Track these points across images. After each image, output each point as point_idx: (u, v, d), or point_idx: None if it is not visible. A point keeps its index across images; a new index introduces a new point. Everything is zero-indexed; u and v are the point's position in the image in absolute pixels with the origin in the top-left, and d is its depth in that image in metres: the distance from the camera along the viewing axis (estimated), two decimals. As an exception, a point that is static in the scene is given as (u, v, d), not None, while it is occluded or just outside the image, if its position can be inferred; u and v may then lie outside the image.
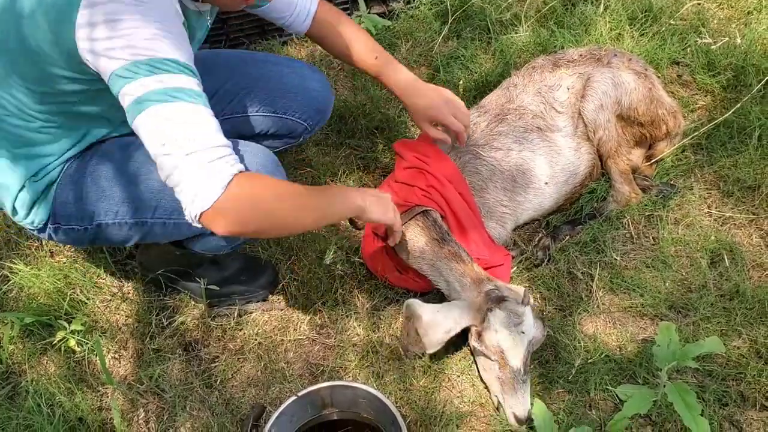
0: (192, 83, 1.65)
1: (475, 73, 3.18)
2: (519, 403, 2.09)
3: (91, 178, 2.00)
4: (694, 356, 1.81)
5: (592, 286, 2.48)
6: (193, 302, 2.48)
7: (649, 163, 2.81)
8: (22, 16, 1.69)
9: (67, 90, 1.80)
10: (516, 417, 2.09)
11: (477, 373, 2.27)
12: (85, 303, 2.46)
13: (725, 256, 2.51)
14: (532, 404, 2.07)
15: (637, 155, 2.79)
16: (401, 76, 2.38)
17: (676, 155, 2.83)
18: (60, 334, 2.33)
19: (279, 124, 2.44)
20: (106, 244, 2.31)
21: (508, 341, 2.08)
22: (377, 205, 2.03)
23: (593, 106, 2.62)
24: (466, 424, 2.17)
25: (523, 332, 2.10)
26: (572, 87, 2.67)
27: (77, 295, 2.46)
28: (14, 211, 2.01)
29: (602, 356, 2.28)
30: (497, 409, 2.19)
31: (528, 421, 2.08)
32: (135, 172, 1.99)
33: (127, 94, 1.61)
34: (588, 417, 2.15)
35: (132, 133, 1.71)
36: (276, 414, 2.07)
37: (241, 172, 1.65)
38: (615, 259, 2.55)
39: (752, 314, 2.35)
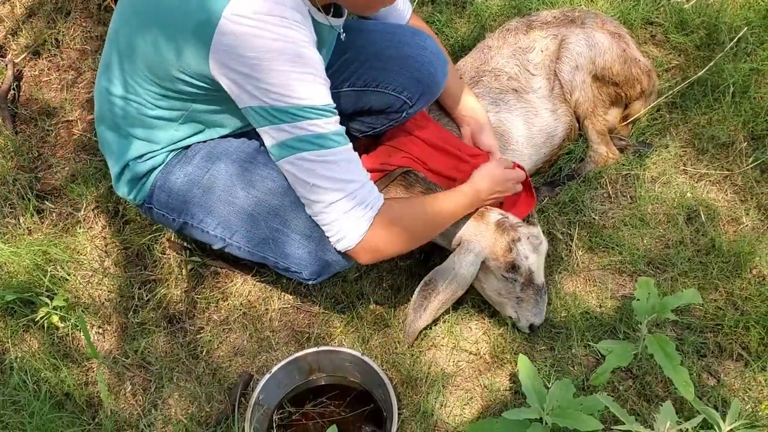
0: (330, 124, 1.71)
1: (451, 37, 3.16)
2: (539, 312, 2.21)
3: (207, 182, 1.98)
4: (672, 308, 1.84)
5: (571, 246, 2.51)
6: (175, 276, 2.47)
7: (625, 123, 2.83)
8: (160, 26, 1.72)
9: (186, 90, 1.81)
10: (533, 326, 2.23)
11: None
12: (66, 279, 2.44)
13: (701, 212, 2.55)
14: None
15: (613, 115, 2.81)
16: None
17: (652, 114, 2.85)
18: (42, 311, 2.32)
19: (373, 98, 2.25)
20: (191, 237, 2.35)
21: (536, 263, 2.18)
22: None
23: (569, 67, 2.63)
24: (452, 383, 2.20)
25: (542, 251, 2.22)
26: (546, 49, 2.67)
27: (58, 271, 2.44)
28: (115, 183, 2.07)
29: (583, 313, 2.32)
30: (513, 326, 2.29)
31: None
32: (255, 200, 1.97)
33: (267, 134, 1.72)
34: (571, 372, 2.19)
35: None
36: (264, 380, 2.09)
37: (380, 210, 1.82)
38: (593, 218, 2.58)
39: (728, 267, 2.40)
